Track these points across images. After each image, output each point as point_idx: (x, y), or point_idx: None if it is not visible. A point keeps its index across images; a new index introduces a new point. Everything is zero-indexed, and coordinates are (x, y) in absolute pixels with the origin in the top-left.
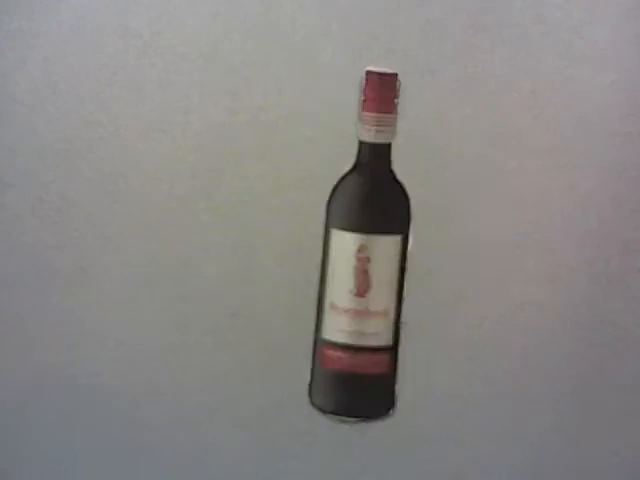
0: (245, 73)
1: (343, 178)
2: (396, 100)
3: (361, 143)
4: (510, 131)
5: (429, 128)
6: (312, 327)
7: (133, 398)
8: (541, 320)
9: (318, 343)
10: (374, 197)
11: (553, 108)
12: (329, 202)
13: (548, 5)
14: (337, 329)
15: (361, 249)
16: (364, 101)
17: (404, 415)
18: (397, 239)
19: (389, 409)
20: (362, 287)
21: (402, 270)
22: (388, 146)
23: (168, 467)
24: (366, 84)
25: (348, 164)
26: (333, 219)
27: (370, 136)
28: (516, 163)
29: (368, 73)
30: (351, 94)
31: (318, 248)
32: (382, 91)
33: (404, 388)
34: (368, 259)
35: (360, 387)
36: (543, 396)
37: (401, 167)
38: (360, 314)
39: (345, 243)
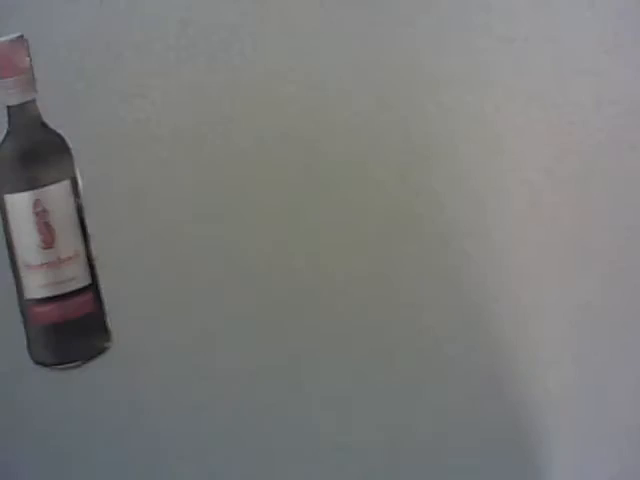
0: (222, 35)
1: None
2: (28, 59)
3: (8, 108)
4: (510, 131)
5: (410, 118)
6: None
7: (133, 398)
8: (542, 320)
9: (24, 304)
10: (31, 153)
11: (554, 108)
12: None
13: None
14: (37, 286)
15: (36, 204)
16: (1, 69)
17: (401, 414)
18: (66, 184)
19: (105, 343)
20: (48, 239)
21: (80, 210)
22: (33, 102)
23: (168, 467)
24: None
25: (349, 162)
26: (1, 186)
27: (15, 99)
28: (516, 172)
29: None
30: (352, 94)
31: (317, 247)
32: (14, 56)
33: (407, 390)
34: (45, 211)
35: (73, 332)
36: (543, 396)
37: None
38: (54, 265)
39: (19, 204)
